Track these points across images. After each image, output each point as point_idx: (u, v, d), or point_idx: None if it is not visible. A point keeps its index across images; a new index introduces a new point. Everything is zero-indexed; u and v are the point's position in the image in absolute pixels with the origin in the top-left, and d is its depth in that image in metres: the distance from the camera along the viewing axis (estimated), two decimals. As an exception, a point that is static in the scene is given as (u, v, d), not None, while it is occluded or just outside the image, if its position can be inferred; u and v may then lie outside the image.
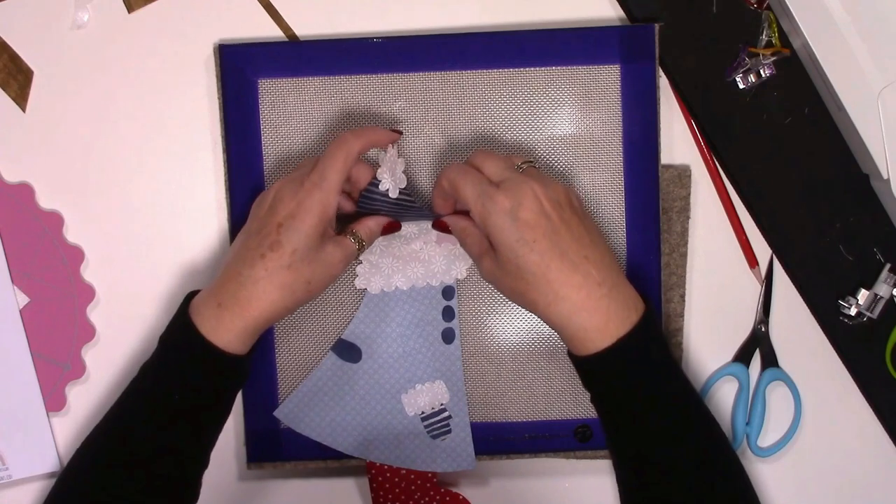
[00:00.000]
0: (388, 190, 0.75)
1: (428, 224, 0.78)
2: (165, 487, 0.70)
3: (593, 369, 0.70)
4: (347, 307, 0.81)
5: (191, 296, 0.73)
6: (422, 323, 0.80)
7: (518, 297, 0.71)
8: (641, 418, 0.69)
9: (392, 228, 0.77)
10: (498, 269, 0.71)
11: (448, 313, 0.80)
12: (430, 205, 0.77)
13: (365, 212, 0.77)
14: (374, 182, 0.75)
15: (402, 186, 0.76)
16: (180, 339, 0.72)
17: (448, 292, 0.80)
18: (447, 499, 0.81)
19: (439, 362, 0.80)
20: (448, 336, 0.80)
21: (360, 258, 0.79)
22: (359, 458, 0.80)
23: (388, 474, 0.80)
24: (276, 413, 0.81)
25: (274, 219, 0.71)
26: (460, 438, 0.80)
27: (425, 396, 0.80)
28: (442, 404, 0.80)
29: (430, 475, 0.80)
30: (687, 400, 0.71)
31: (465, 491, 0.83)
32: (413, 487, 0.80)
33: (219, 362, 0.70)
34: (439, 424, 0.80)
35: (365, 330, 0.80)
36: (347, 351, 0.80)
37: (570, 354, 0.71)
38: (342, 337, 0.80)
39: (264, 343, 0.82)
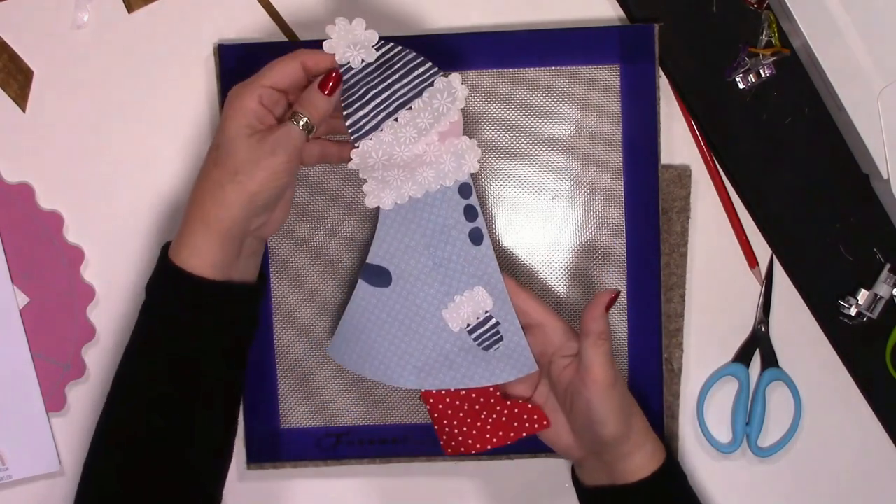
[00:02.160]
0: (363, 61, 0.70)
1: (428, 122, 0.72)
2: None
3: (652, 490, 0.73)
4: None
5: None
6: (445, 228, 0.75)
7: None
8: None
9: (334, 81, 0.70)
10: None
11: (470, 212, 0.75)
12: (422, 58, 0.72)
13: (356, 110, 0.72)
14: (343, 67, 0.70)
15: (375, 42, 0.70)
16: (156, 272, 0.72)
17: (465, 190, 0.75)
18: (515, 410, 0.76)
19: (473, 266, 0.75)
20: (476, 237, 0.75)
21: (364, 176, 0.74)
22: (416, 388, 0.77)
23: (447, 400, 0.76)
24: (329, 352, 0.78)
25: None
26: (514, 343, 0.75)
27: (467, 307, 0.75)
28: (486, 311, 0.75)
29: (492, 390, 0.76)
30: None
31: (464, 490, 0.83)
32: (477, 407, 0.76)
33: (184, 281, 0.69)
34: (488, 334, 0.76)
35: (389, 249, 0.76)
36: (376, 276, 0.76)
37: (617, 490, 0.73)
38: (368, 262, 0.76)
39: (264, 343, 0.82)
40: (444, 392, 0.75)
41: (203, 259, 0.69)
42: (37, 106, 0.82)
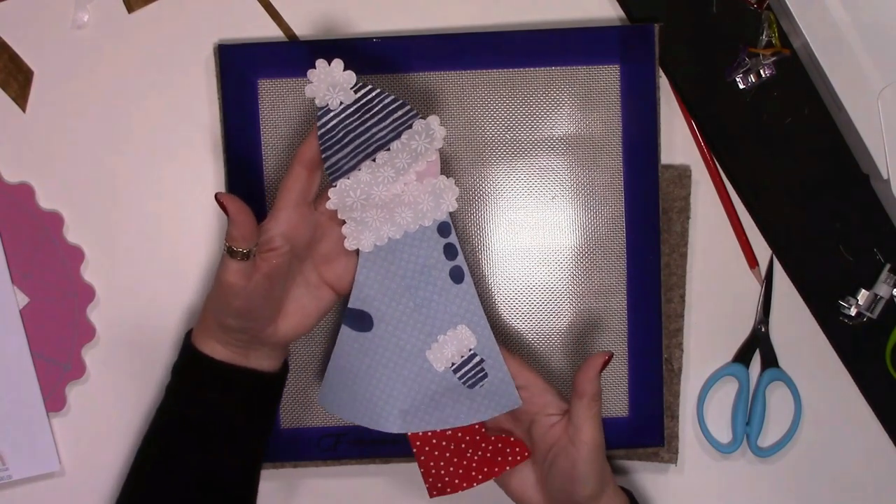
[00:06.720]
0: (341, 103, 0.70)
1: (406, 163, 0.72)
2: None
3: None
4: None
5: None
6: (426, 268, 0.75)
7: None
8: None
9: (222, 201, 0.69)
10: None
11: (450, 250, 0.74)
12: (406, 106, 0.72)
13: (336, 159, 0.72)
14: (322, 110, 0.71)
15: (353, 83, 0.70)
16: (181, 354, 0.76)
17: (444, 229, 0.74)
18: (499, 445, 0.76)
19: (455, 305, 0.75)
20: (456, 275, 0.75)
21: (343, 216, 0.73)
22: (400, 432, 0.76)
23: (434, 441, 0.75)
24: (319, 400, 0.78)
25: None
26: (498, 379, 0.75)
27: (451, 346, 0.75)
28: (470, 349, 0.75)
29: (477, 427, 0.76)
30: None
31: (463, 490, 0.83)
32: (463, 445, 0.76)
33: (196, 361, 0.73)
34: (473, 371, 0.75)
35: (369, 293, 0.75)
36: (358, 320, 0.75)
37: None
38: (349, 306, 0.76)
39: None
40: (430, 433, 0.76)
41: (211, 347, 0.73)
42: (37, 106, 0.82)
